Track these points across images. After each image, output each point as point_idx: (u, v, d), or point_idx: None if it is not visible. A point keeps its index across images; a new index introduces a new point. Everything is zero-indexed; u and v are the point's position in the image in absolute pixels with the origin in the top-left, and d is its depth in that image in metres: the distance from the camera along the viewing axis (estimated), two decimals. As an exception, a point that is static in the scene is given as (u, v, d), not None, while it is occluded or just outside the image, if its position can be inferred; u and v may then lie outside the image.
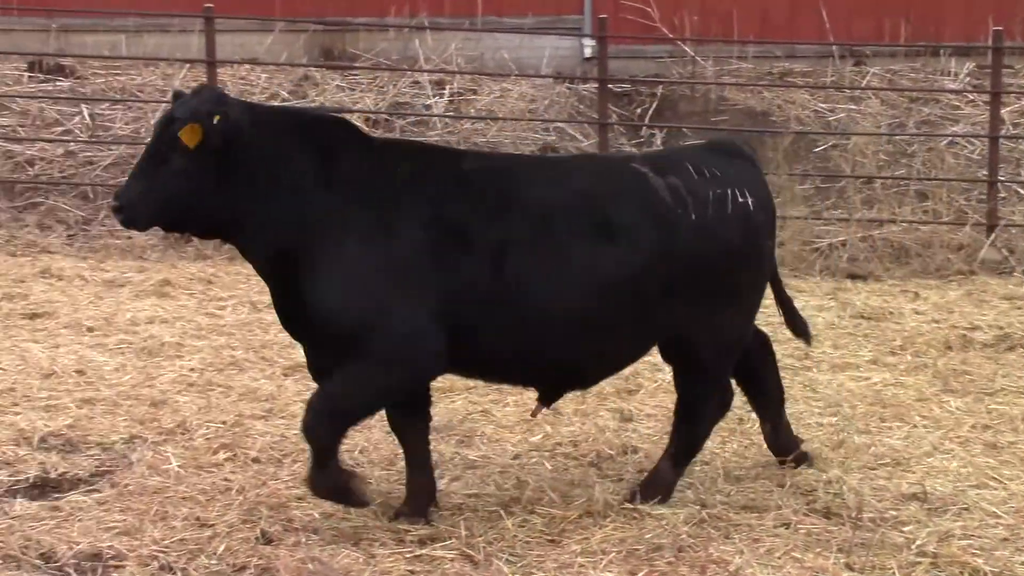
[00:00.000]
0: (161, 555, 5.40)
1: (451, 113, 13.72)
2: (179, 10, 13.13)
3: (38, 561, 5.37)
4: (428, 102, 13.85)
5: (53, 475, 6.29)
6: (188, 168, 5.42)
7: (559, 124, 13.47)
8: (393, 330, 5.45)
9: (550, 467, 6.48)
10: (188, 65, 13.62)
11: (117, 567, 5.34)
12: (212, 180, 5.46)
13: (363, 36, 14.74)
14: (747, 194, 5.86)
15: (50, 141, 12.97)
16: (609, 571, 5.34)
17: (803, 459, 6.40)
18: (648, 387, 7.60)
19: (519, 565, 5.43)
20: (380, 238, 5.48)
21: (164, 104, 12.80)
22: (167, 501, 5.73)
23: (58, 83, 13.87)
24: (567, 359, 5.77)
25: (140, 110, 12.96)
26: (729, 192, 5.82)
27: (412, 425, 5.92)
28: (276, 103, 13.45)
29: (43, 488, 6.19)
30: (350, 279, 5.46)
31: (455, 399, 7.48)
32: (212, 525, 5.70)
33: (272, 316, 8.94)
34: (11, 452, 6.49)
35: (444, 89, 14.09)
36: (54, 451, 6.53)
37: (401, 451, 5.97)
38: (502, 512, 5.87)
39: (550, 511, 5.86)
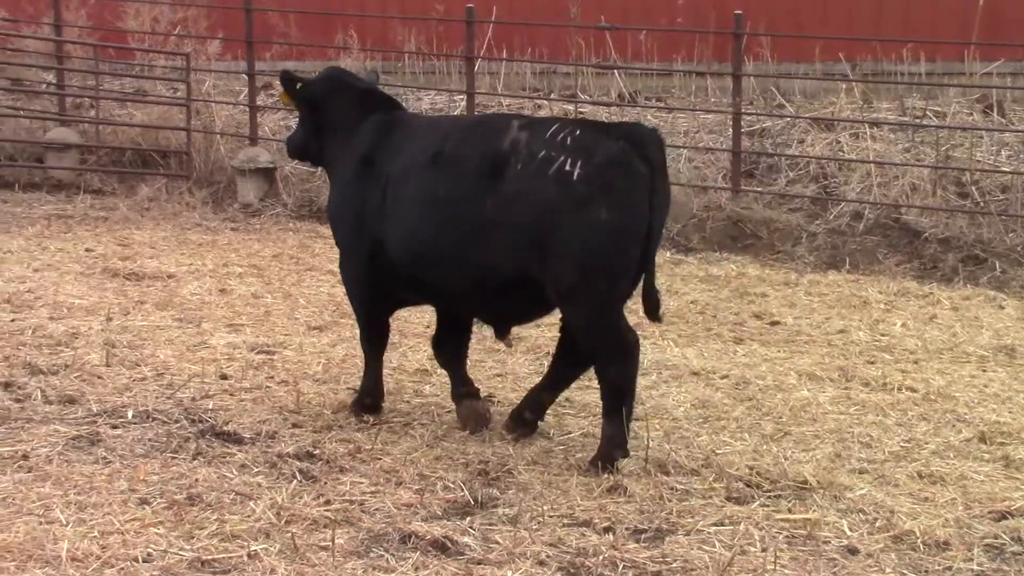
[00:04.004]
0: None
1: None
2: None
3: None
4: None
5: None
6: (301, 119, 8.07)
7: None
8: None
9: None
10: None
11: None
12: (310, 127, 7.94)
13: None
14: (578, 166, 6.62)
15: None
16: None
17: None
18: None
19: None
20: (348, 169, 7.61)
21: None
22: None
23: None
24: (431, 273, 7.12)
25: None
26: (561, 158, 6.65)
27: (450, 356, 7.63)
28: None
29: None
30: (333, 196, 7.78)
31: None
32: None
33: None
34: None
35: None
36: None
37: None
38: None
39: None
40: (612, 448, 6.75)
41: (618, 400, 6.74)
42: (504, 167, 6.79)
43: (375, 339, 7.73)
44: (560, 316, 7.07)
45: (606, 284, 6.67)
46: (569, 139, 6.72)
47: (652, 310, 6.83)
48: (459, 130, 7.26)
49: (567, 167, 6.63)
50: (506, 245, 6.78)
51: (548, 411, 7.66)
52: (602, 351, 6.74)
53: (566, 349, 7.22)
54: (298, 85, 7.89)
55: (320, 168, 14.97)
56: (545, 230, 6.64)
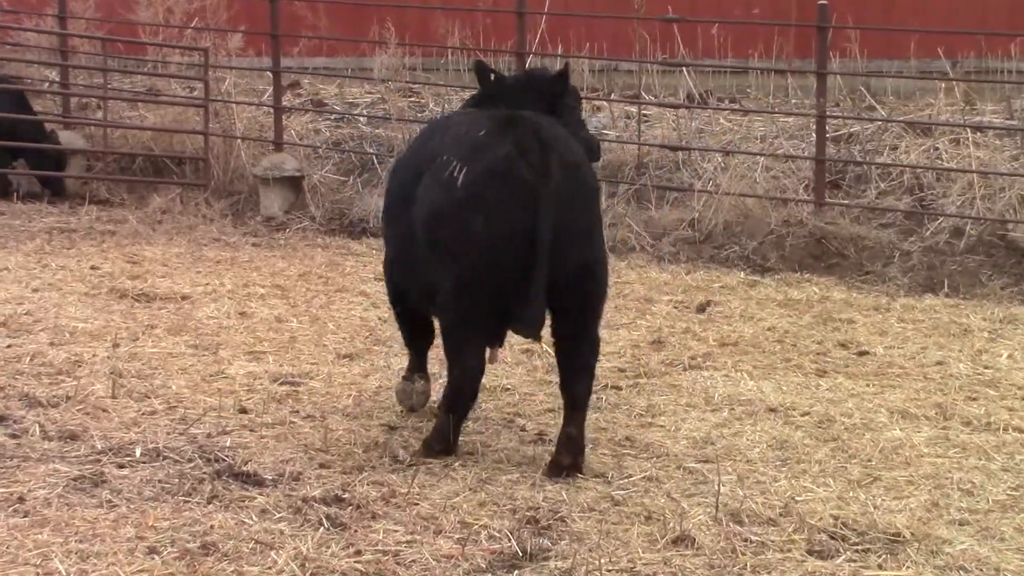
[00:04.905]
0: None
1: None
2: None
3: None
4: None
5: None
6: None
7: None
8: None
9: None
10: None
11: None
12: None
13: None
14: (463, 172, 7.10)
15: None
16: None
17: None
18: None
19: None
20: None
21: None
22: None
23: None
24: (406, 279, 7.80)
25: None
26: (454, 163, 7.16)
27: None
28: None
29: None
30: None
31: None
32: None
33: None
34: None
35: None
36: None
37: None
38: None
39: None
40: (432, 438, 7.55)
41: (447, 409, 7.47)
42: (423, 173, 7.34)
43: (416, 336, 8.27)
44: (555, 350, 7.44)
45: (474, 294, 7.14)
46: (469, 141, 7.21)
47: (529, 325, 7.15)
48: (433, 131, 7.76)
49: (455, 172, 7.13)
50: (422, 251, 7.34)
51: (606, 451, 7.66)
52: (453, 364, 7.36)
53: (563, 376, 7.41)
54: (491, 77, 8.28)
55: (351, 178, 15.28)
56: (430, 235, 7.22)
